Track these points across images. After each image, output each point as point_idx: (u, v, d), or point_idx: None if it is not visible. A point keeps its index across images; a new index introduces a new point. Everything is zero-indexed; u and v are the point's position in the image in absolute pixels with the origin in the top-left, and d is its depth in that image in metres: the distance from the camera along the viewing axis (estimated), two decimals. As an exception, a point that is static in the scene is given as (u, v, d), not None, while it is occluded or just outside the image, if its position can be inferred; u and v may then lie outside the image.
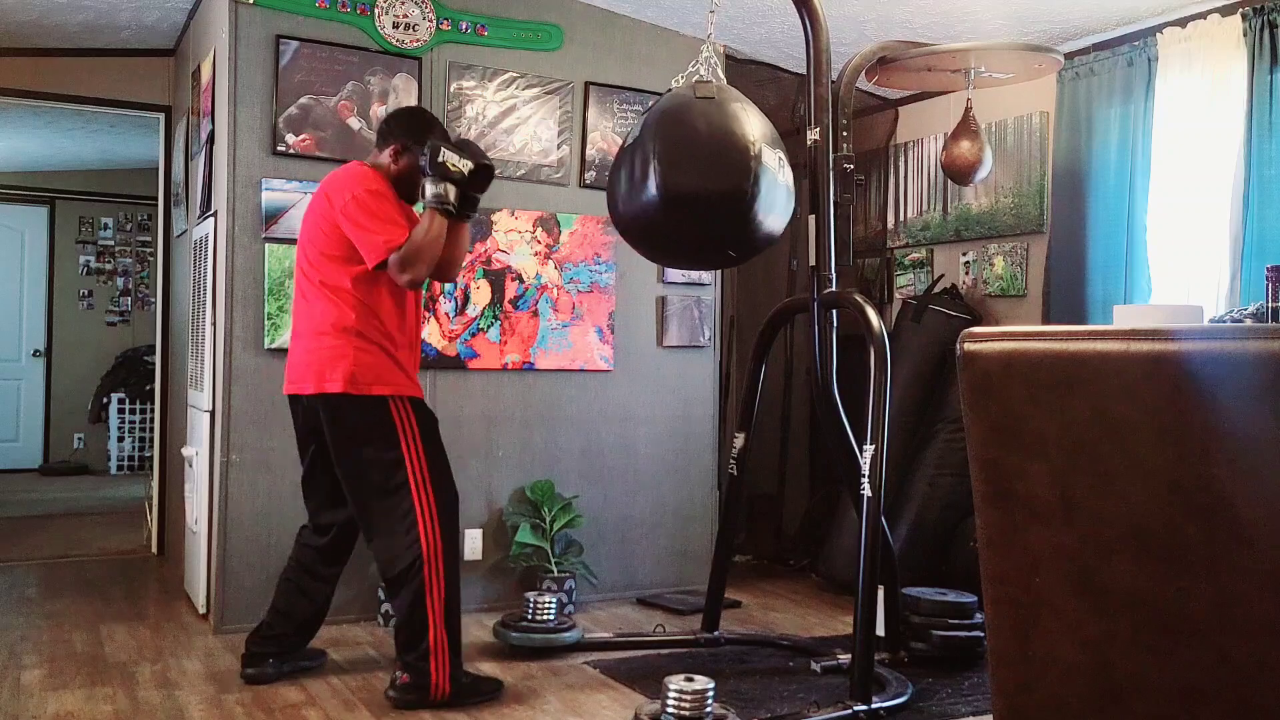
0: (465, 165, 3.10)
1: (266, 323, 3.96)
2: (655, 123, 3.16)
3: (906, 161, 5.38)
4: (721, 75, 3.45)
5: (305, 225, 3.27)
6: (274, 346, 3.96)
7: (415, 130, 3.24)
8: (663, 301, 4.72)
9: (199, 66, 4.53)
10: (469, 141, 3.25)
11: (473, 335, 4.32)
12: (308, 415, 3.29)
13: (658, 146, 3.10)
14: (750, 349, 3.83)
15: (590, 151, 4.54)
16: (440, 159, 3.08)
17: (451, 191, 3.09)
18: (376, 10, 4.14)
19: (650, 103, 3.60)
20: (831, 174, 3.45)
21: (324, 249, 3.16)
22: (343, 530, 3.39)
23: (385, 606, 4.01)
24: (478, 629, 3.96)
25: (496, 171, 3.34)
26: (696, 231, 3.19)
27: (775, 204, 3.15)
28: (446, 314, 4.27)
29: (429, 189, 3.09)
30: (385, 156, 3.26)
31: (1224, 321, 3.40)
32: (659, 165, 3.07)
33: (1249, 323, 3.17)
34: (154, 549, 5.41)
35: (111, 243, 8.93)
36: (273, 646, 3.39)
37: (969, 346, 1.35)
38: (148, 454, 7.85)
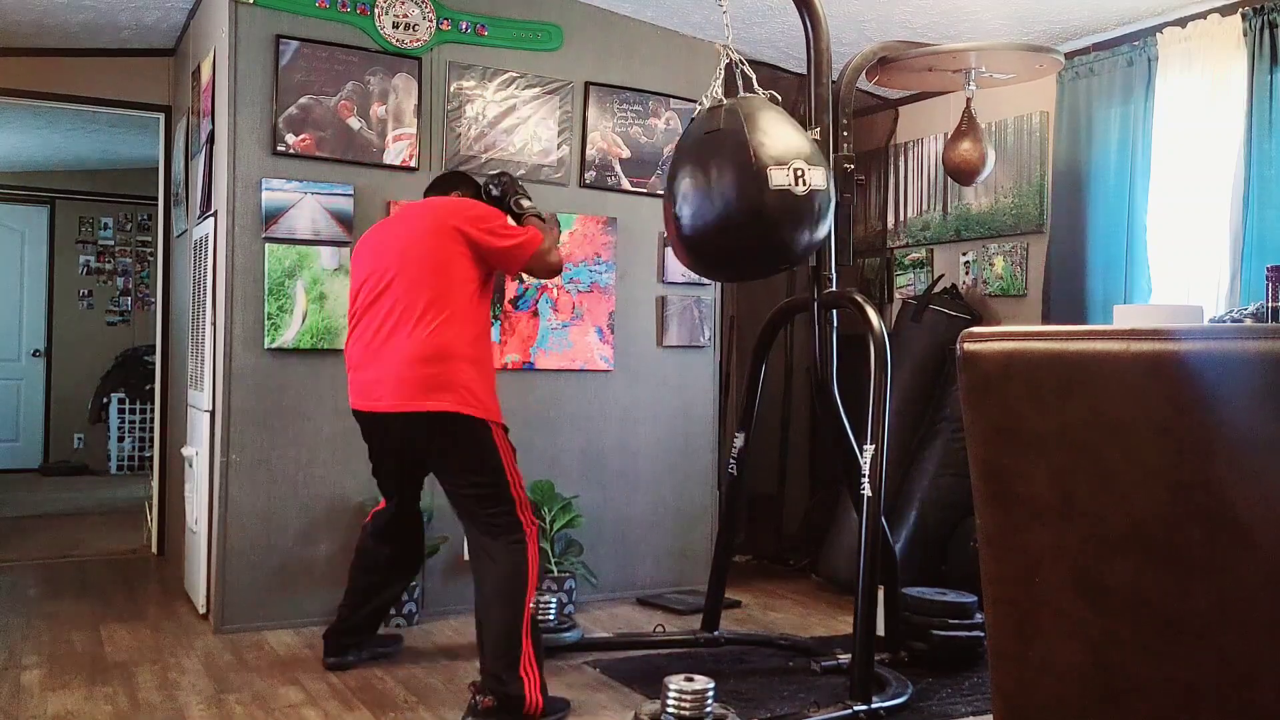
0: (528, 201, 3.55)
1: (266, 323, 3.96)
2: (675, 168, 3.26)
3: (906, 161, 5.38)
4: (751, 74, 3.38)
5: (402, 245, 3.26)
6: (274, 346, 3.96)
7: (466, 180, 3.59)
8: (663, 301, 4.72)
9: (199, 66, 4.53)
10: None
11: (473, 335, 4.32)
12: (397, 432, 3.26)
13: (675, 198, 3.21)
14: (750, 349, 3.83)
15: (590, 151, 4.54)
16: (517, 179, 3.59)
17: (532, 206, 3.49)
18: (376, 10, 4.14)
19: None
20: (832, 174, 3.45)
21: (442, 267, 3.22)
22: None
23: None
24: (478, 629, 3.96)
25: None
26: (734, 259, 3.31)
27: (802, 218, 3.12)
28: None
29: (523, 201, 3.51)
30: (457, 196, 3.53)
31: (1224, 321, 3.40)
32: (679, 218, 3.20)
33: (1249, 323, 3.17)
34: (154, 549, 5.41)
35: (111, 243, 8.93)
36: (350, 637, 3.53)
37: (969, 346, 1.35)
38: (148, 454, 7.85)
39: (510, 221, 3.39)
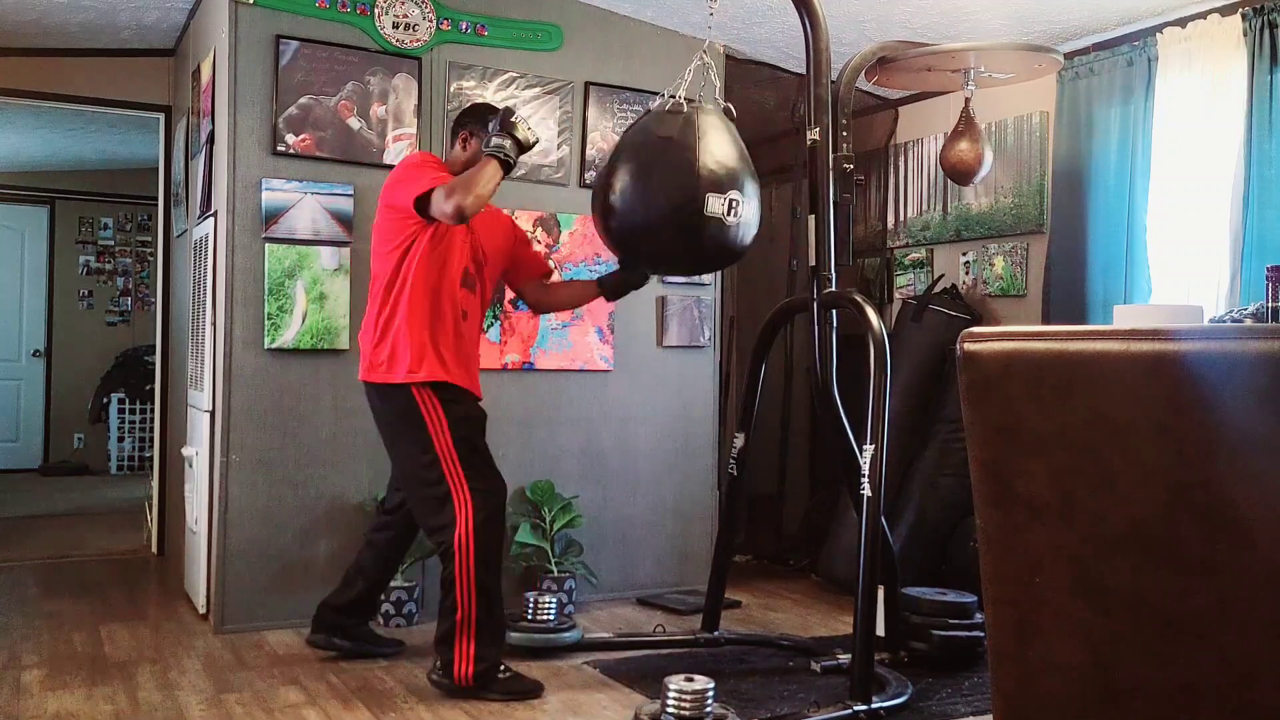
0: (533, 135, 3.27)
1: (266, 323, 3.96)
2: (619, 156, 3.34)
3: (906, 161, 5.38)
4: (716, 80, 3.44)
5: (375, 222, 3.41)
6: (274, 346, 3.96)
7: (480, 115, 3.43)
8: (663, 301, 4.72)
9: (199, 66, 4.53)
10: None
11: (473, 335, 4.31)
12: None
13: (611, 188, 3.29)
14: (750, 349, 3.83)
15: (590, 151, 4.54)
16: (513, 119, 3.25)
17: (510, 145, 3.22)
18: (376, 10, 4.14)
19: (644, 108, 3.66)
20: (831, 174, 3.45)
21: (377, 232, 3.36)
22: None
23: (385, 606, 4.01)
24: (478, 629, 3.96)
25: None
26: (652, 258, 3.50)
27: (726, 244, 3.28)
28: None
29: (492, 140, 3.23)
30: (456, 149, 3.45)
31: (1224, 321, 3.40)
32: (610, 209, 3.29)
33: (1249, 323, 3.17)
34: (154, 549, 5.41)
35: (111, 243, 8.93)
36: (339, 615, 3.58)
37: (969, 346, 1.35)
38: (148, 454, 7.85)
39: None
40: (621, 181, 3.27)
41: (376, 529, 3.64)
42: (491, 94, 4.34)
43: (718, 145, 3.23)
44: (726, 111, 3.40)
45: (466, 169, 3.26)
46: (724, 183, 3.19)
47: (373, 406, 3.41)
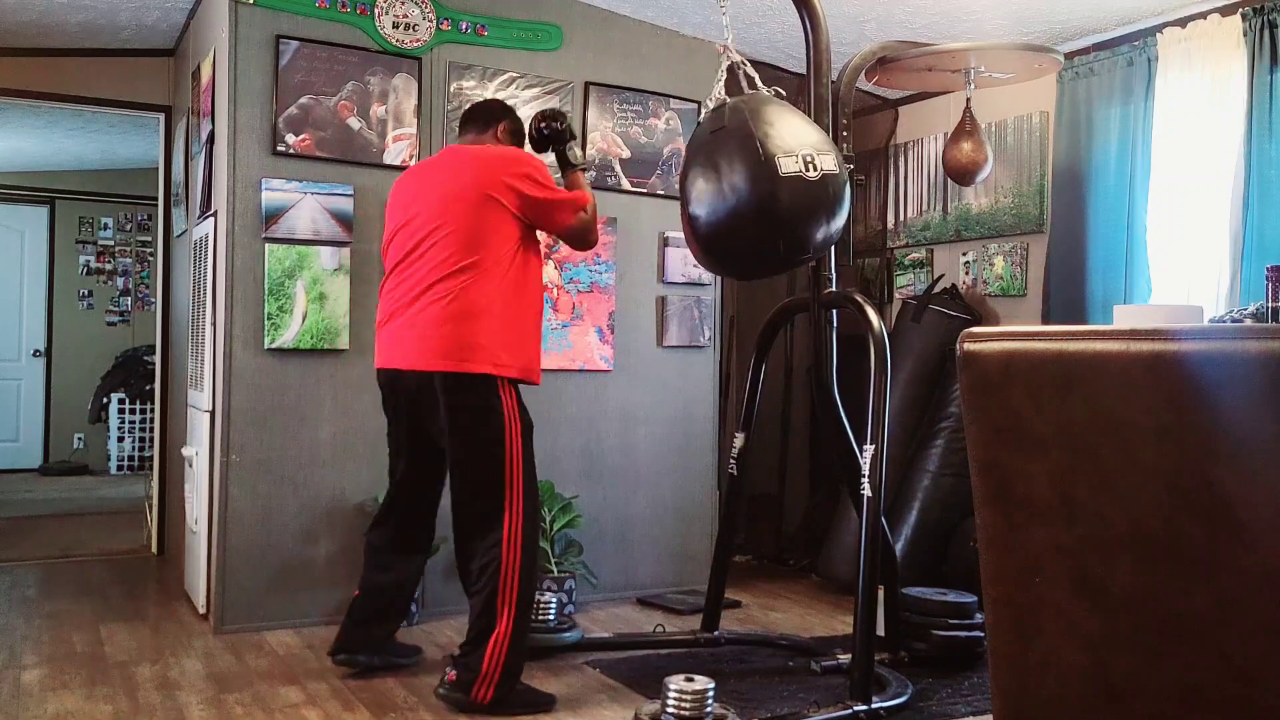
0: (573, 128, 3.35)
1: (266, 323, 3.96)
2: (685, 170, 3.24)
3: (906, 161, 5.38)
4: (753, 73, 3.36)
5: (443, 196, 3.18)
6: (274, 346, 3.96)
7: (507, 109, 3.46)
8: (663, 301, 4.72)
9: (199, 66, 4.53)
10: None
11: (473, 335, 4.31)
12: (412, 391, 3.22)
13: (689, 199, 3.17)
14: (750, 349, 3.83)
15: (590, 152, 4.54)
16: (561, 119, 3.33)
17: (582, 155, 3.28)
18: (376, 10, 4.14)
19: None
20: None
21: (483, 224, 3.14)
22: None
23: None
24: (478, 629, 3.96)
25: None
26: (751, 254, 3.21)
27: (817, 204, 3.05)
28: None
29: (577, 151, 3.26)
30: (498, 135, 3.37)
31: (1224, 321, 3.40)
32: (695, 219, 3.15)
33: (1249, 323, 3.16)
34: (154, 549, 5.41)
35: (111, 243, 8.93)
36: (361, 631, 3.42)
37: (969, 346, 1.35)
38: (148, 454, 7.85)
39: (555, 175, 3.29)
40: (695, 187, 3.13)
41: (381, 565, 3.43)
42: (491, 94, 4.33)
43: (774, 116, 3.11)
44: (776, 94, 3.28)
45: None
46: (791, 144, 3.04)
47: (446, 402, 3.12)
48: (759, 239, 3.09)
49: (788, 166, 2.99)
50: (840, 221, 3.14)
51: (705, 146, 3.16)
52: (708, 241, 3.16)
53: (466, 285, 3.10)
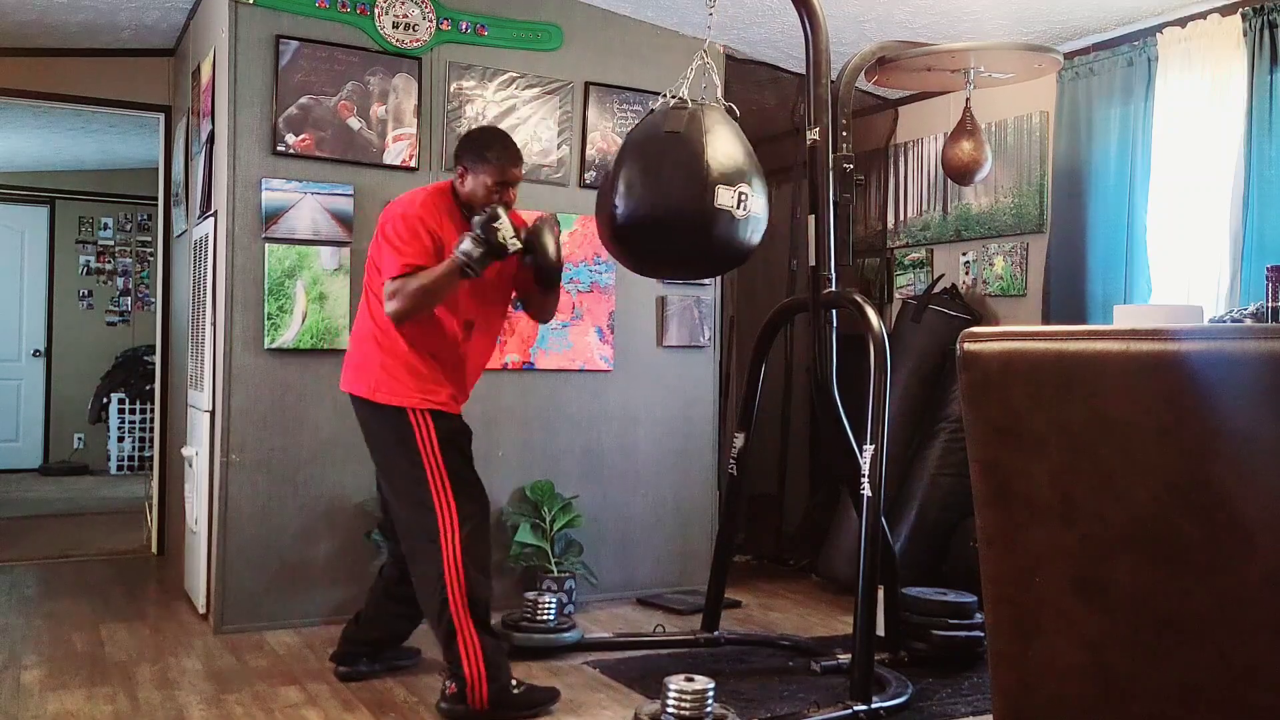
0: (512, 244, 3.07)
1: (266, 323, 3.96)
2: (625, 155, 3.30)
3: (906, 161, 5.38)
4: (717, 80, 3.43)
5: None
6: (274, 346, 3.96)
7: (476, 147, 3.20)
8: (663, 301, 4.72)
9: (199, 66, 4.53)
10: (553, 221, 3.23)
11: (473, 335, 4.31)
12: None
13: (617, 186, 3.24)
14: (750, 349, 3.83)
15: (590, 152, 4.54)
16: (496, 224, 3.04)
17: (479, 255, 3.01)
18: (376, 10, 4.14)
19: (645, 109, 3.64)
20: (831, 174, 3.45)
21: (374, 259, 3.23)
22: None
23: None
24: (478, 629, 3.96)
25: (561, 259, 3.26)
26: (658, 258, 3.42)
27: (734, 240, 3.22)
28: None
29: (463, 242, 3.03)
30: (458, 181, 3.24)
31: (1224, 321, 3.40)
32: (618, 205, 3.23)
33: (1249, 323, 3.17)
34: (154, 549, 5.41)
35: (111, 243, 8.93)
36: (364, 647, 3.44)
37: (969, 346, 1.35)
38: (148, 454, 7.85)
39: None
40: (628, 179, 3.23)
41: (390, 596, 3.46)
42: (491, 94, 4.34)
43: (725, 141, 3.21)
44: (729, 110, 3.38)
45: (469, 203, 3.18)
46: (733, 176, 3.16)
47: (360, 421, 3.27)
48: (670, 250, 3.30)
49: (724, 199, 3.14)
50: (745, 255, 3.34)
51: (654, 145, 3.25)
52: (621, 232, 3.28)
53: (363, 313, 3.26)
